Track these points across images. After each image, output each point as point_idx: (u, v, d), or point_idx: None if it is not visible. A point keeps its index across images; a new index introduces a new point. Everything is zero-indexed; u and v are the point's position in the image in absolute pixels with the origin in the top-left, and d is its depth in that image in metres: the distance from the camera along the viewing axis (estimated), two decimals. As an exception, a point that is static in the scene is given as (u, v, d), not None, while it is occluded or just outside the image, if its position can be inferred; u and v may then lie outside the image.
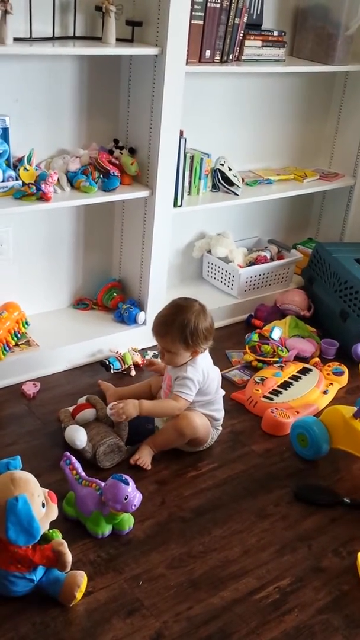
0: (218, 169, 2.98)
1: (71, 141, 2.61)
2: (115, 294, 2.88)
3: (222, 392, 2.33)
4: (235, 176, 3.01)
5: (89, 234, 2.84)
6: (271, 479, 2.22)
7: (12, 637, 1.61)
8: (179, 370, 2.20)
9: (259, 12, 2.86)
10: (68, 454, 2.00)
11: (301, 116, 3.37)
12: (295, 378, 2.68)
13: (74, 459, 1.98)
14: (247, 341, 2.91)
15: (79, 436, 2.12)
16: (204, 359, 2.24)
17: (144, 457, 2.18)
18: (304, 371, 2.73)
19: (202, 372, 2.20)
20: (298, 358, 2.87)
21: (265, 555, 1.92)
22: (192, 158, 2.84)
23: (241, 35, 2.73)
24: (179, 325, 2.14)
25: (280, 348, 2.84)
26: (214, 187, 3.01)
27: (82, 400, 2.32)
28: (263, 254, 3.27)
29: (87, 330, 2.76)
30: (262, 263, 3.23)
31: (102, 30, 2.36)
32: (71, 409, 2.27)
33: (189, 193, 2.90)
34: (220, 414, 2.32)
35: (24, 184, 2.36)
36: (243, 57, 2.78)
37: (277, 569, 1.88)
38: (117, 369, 2.66)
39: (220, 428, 2.35)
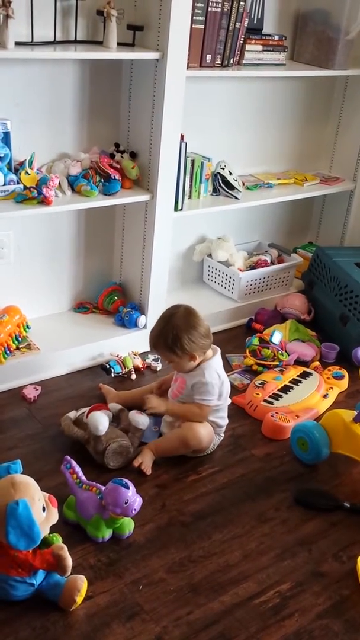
0: (219, 172, 2.98)
1: (72, 145, 2.62)
2: (115, 297, 2.88)
3: (229, 401, 2.34)
4: (236, 180, 3.01)
5: (89, 237, 2.85)
6: (271, 483, 2.22)
7: (12, 641, 1.61)
8: (195, 375, 2.21)
9: (259, 16, 2.86)
10: (68, 458, 2.00)
11: (301, 120, 3.38)
12: (295, 382, 2.68)
13: (74, 462, 1.98)
14: (247, 345, 2.91)
15: (103, 421, 2.11)
16: (216, 364, 2.24)
17: (146, 461, 2.18)
18: (304, 375, 2.73)
19: (218, 374, 2.21)
20: (298, 362, 2.87)
21: (265, 559, 1.92)
22: (193, 162, 2.84)
23: (242, 39, 2.74)
24: (163, 337, 2.18)
25: (280, 352, 2.84)
26: (215, 191, 3.01)
27: (114, 405, 2.37)
28: (263, 258, 3.28)
29: (88, 334, 2.76)
30: (263, 267, 3.23)
31: (103, 34, 2.37)
32: (76, 413, 2.29)
33: (190, 197, 2.91)
34: (224, 421, 2.33)
35: (25, 187, 2.36)
36: (244, 62, 2.79)
37: (277, 574, 1.88)
38: (118, 373, 2.66)
39: (223, 435, 2.35)
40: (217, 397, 2.22)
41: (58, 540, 1.74)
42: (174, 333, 2.15)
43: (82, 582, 1.71)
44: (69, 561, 1.68)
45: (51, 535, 1.72)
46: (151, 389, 2.46)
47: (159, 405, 2.26)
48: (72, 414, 2.28)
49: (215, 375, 2.20)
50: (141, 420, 2.20)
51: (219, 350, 2.29)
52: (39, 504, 1.64)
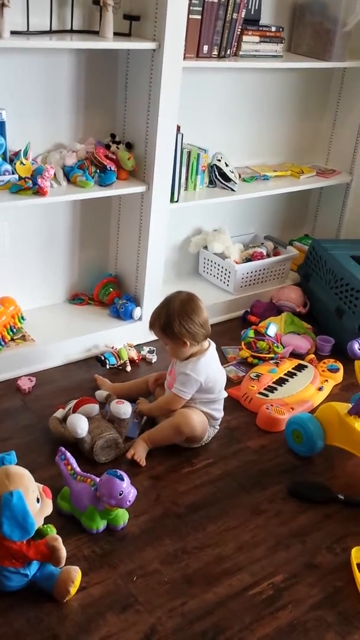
0: (215, 164, 2.97)
1: (68, 135, 2.60)
2: (111, 289, 2.88)
3: (225, 394, 2.34)
4: (232, 172, 3.01)
5: (85, 228, 2.84)
6: (266, 475, 2.22)
7: (5, 632, 1.61)
8: (182, 365, 2.22)
9: (257, 7, 2.85)
10: (63, 449, 2.00)
11: (298, 112, 3.37)
12: (290, 375, 2.68)
13: (68, 454, 1.98)
14: (242, 337, 2.91)
15: (81, 424, 2.11)
16: (209, 358, 2.24)
17: (139, 452, 2.18)
18: (299, 368, 2.73)
19: (204, 371, 2.21)
20: (293, 355, 2.87)
21: (259, 551, 1.93)
22: (189, 153, 2.83)
23: (239, 30, 2.73)
24: (158, 317, 2.21)
25: (275, 344, 2.84)
26: (211, 182, 3.00)
27: (101, 393, 2.40)
28: (259, 250, 3.27)
29: (83, 326, 2.76)
30: (258, 259, 3.23)
31: (99, 24, 2.36)
32: (64, 411, 2.29)
33: (186, 189, 2.90)
34: (219, 413, 2.33)
35: (20, 178, 2.35)
36: (240, 53, 2.78)
37: (271, 565, 1.88)
38: (113, 364, 2.66)
39: (218, 427, 2.35)
40: (193, 392, 2.22)
41: (52, 531, 1.74)
42: (168, 315, 2.17)
43: (76, 573, 1.71)
44: (63, 552, 1.68)
45: (45, 526, 1.72)
46: (146, 381, 2.46)
47: (144, 409, 2.36)
48: (60, 413, 2.27)
49: (198, 370, 2.19)
50: (122, 409, 2.20)
51: (213, 345, 2.28)
52: (33, 495, 1.64)
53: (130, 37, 2.43)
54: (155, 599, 1.74)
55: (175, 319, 2.16)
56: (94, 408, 2.24)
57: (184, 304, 2.20)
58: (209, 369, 2.23)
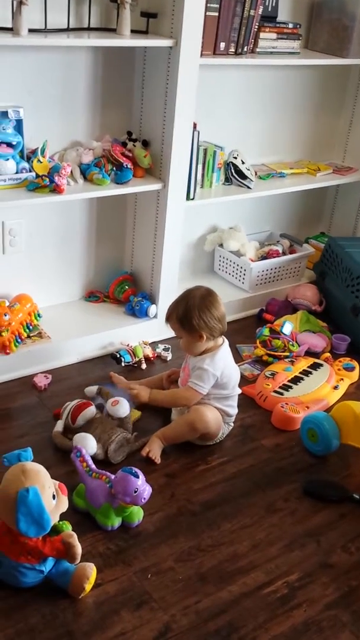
0: (231, 162, 2.96)
1: (84, 133, 2.61)
2: (126, 286, 2.88)
3: (239, 391, 2.35)
4: (248, 169, 3.00)
5: (101, 226, 2.84)
6: (281, 474, 2.22)
7: (21, 627, 1.62)
8: (198, 360, 2.22)
9: (274, 4, 2.84)
10: (78, 446, 2.01)
11: (315, 109, 3.35)
12: (305, 373, 2.67)
13: (84, 451, 1.98)
14: (258, 335, 2.91)
15: (90, 444, 2.10)
16: (224, 354, 2.25)
17: (154, 450, 2.19)
18: (315, 366, 2.72)
19: (220, 366, 2.21)
20: (309, 353, 2.86)
21: (274, 550, 1.92)
22: (205, 151, 2.83)
23: (256, 27, 2.71)
24: (176, 309, 2.21)
25: (291, 343, 2.84)
26: (227, 180, 3.00)
27: (91, 389, 2.36)
28: (275, 248, 3.26)
29: (99, 323, 2.77)
30: (274, 257, 3.22)
31: (116, 21, 2.36)
32: (62, 421, 2.26)
33: (202, 186, 2.89)
34: (233, 410, 2.33)
35: (37, 175, 2.36)
36: (258, 50, 2.77)
37: (285, 564, 1.88)
38: (128, 362, 2.66)
39: (232, 424, 2.35)
40: (209, 387, 2.21)
41: (68, 528, 1.75)
42: (187, 307, 2.17)
43: (91, 569, 1.72)
44: (79, 549, 1.69)
45: (61, 522, 1.73)
46: (161, 379, 2.47)
47: (143, 396, 2.34)
48: (60, 426, 2.23)
49: (215, 366, 2.20)
50: (121, 410, 2.20)
51: (227, 341, 2.29)
52: (49, 491, 1.64)
53: (147, 34, 2.43)
54: (170, 597, 1.74)
55: (194, 311, 2.16)
56: (92, 409, 2.23)
57: (204, 297, 2.20)
58: (224, 364, 2.23)
